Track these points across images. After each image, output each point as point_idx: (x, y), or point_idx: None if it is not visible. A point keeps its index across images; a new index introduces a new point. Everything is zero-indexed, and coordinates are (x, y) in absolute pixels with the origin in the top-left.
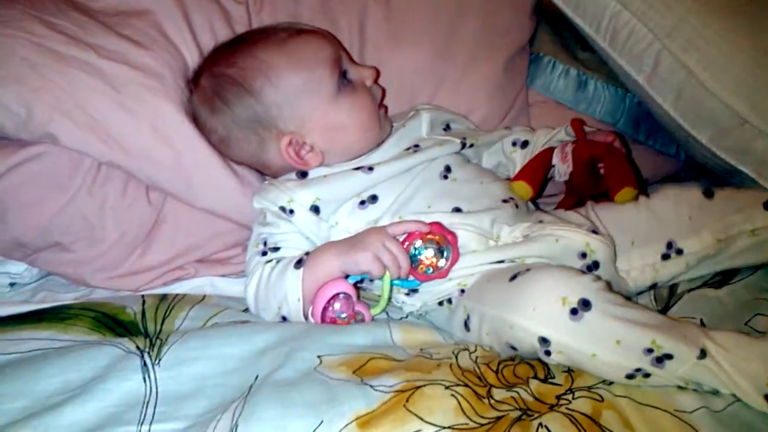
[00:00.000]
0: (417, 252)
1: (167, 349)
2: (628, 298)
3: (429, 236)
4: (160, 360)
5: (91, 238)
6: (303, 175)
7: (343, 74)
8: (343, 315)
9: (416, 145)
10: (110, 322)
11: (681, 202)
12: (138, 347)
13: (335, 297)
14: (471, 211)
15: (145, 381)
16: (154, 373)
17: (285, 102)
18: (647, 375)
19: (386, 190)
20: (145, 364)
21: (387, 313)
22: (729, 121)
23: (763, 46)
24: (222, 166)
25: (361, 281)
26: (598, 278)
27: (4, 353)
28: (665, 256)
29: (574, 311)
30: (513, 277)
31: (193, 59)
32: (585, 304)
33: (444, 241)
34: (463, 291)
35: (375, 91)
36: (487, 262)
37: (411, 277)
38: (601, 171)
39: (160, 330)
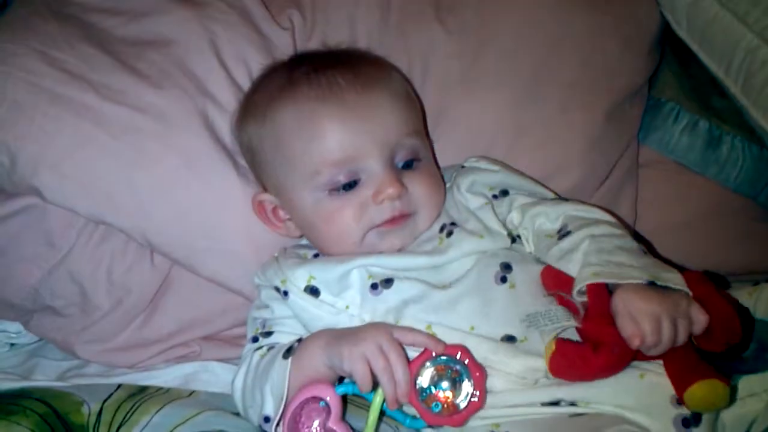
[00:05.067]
0: (428, 383)
1: None
2: None
3: (444, 366)
4: None
5: (83, 303)
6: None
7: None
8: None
9: (453, 224)
10: (58, 424)
11: None
12: None
13: (309, 403)
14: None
15: None
16: None
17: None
18: None
19: (405, 281)
20: None
21: None
22: None
23: None
24: (233, 230)
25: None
26: None
27: None
28: None
29: None
30: None
31: (223, 94)
32: None
33: (463, 374)
34: None
35: (386, 207)
36: (534, 404)
37: (412, 410)
38: None
39: None
